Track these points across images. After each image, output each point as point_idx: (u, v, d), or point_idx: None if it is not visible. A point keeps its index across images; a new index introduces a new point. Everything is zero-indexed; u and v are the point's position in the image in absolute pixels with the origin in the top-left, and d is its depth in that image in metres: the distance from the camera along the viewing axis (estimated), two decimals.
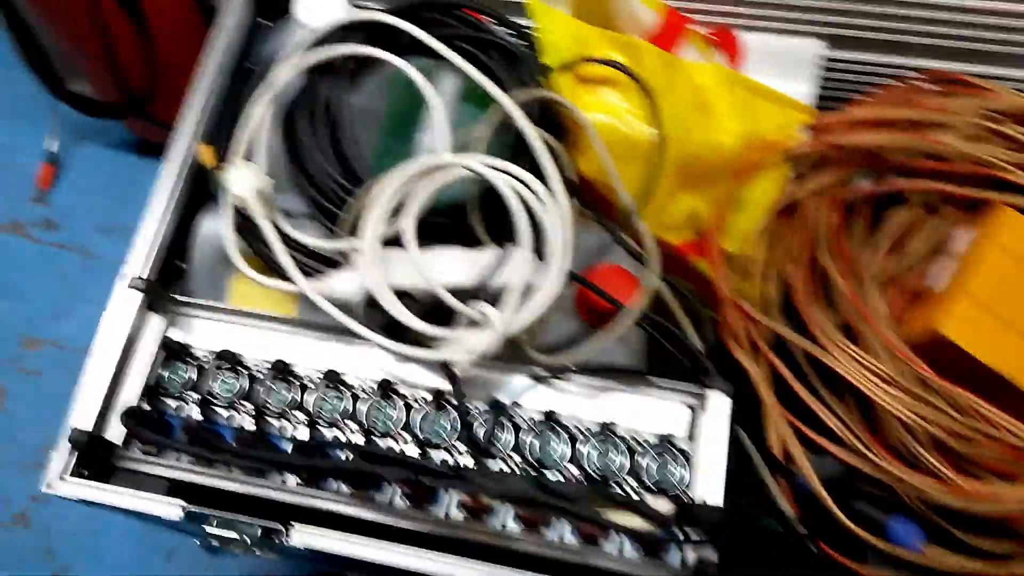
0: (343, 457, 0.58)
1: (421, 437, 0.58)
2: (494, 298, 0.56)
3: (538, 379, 0.59)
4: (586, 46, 0.65)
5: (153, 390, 0.61)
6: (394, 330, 0.58)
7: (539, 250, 0.58)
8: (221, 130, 0.69)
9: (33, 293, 1.09)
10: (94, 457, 0.59)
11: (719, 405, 0.57)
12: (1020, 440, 0.57)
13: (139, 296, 0.62)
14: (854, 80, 0.76)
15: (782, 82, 0.71)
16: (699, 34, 0.70)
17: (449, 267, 0.57)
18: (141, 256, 0.65)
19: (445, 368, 0.57)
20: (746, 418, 0.63)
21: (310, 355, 0.61)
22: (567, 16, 0.66)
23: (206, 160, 0.65)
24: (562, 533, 0.56)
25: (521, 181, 0.58)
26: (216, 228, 0.66)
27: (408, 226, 0.56)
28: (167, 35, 0.95)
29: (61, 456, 0.58)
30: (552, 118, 0.65)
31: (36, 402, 1.03)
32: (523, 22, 0.67)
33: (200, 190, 0.68)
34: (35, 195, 1.14)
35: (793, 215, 0.69)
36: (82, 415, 0.58)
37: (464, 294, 0.56)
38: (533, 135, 0.59)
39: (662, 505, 0.51)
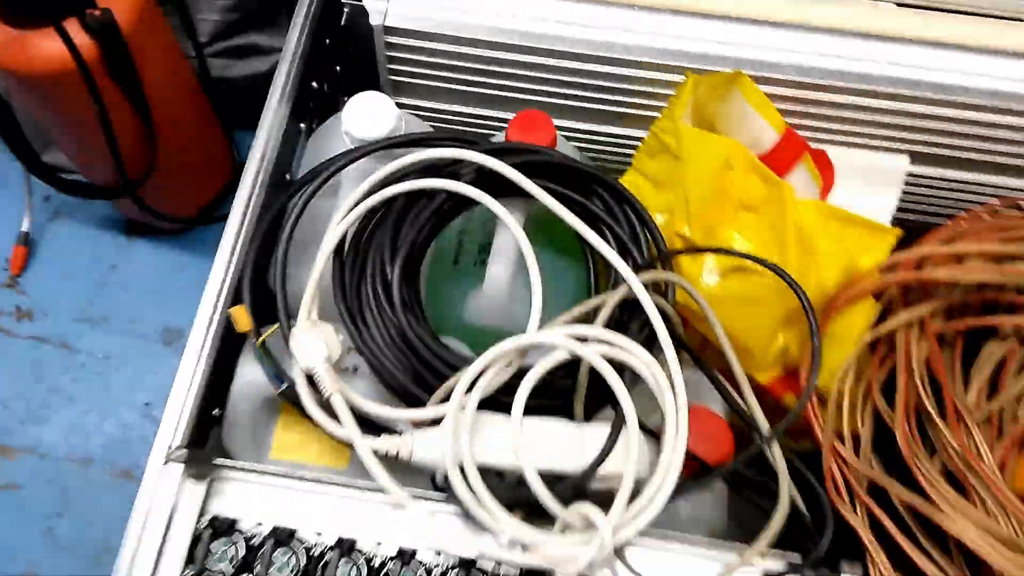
0: None
1: None
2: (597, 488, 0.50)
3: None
4: (731, 171, 0.60)
5: (197, 574, 0.53)
6: None
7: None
8: (263, 257, 0.62)
9: (8, 393, 0.98)
10: None
11: None
12: None
13: (178, 468, 0.54)
14: (936, 196, 0.74)
15: (869, 195, 0.69)
16: (810, 155, 0.66)
17: (553, 447, 0.51)
18: (175, 416, 0.57)
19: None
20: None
21: (373, 526, 0.54)
22: (715, 137, 0.61)
23: (241, 325, 0.57)
24: None
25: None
26: (259, 376, 0.59)
27: (518, 404, 0.50)
28: (167, 119, 0.87)
29: None
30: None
31: (15, 520, 0.93)
32: None
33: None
34: (7, 281, 1.03)
35: (882, 348, 0.65)
36: None
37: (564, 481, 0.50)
38: (659, 322, 0.54)
39: None
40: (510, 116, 0.69)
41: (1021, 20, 0.65)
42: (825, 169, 0.68)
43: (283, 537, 0.54)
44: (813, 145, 0.70)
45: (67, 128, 0.85)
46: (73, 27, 0.74)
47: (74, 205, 1.06)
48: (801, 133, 0.69)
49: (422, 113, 0.77)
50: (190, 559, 0.53)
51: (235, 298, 0.61)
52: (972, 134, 0.69)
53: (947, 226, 0.68)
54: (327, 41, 0.74)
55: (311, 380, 0.55)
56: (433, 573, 0.53)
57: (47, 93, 0.77)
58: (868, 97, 0.67)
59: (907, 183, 0.72)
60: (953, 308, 0.66)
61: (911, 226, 0.73)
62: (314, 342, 0.55)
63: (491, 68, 0.70)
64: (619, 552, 0.52)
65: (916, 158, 0.71)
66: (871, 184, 0.70)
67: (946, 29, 0.66)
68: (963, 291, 0.66)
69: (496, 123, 0.74)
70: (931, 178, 0.73)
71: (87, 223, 1.07)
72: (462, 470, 0.52)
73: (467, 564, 0.53)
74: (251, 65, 1.00)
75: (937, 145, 0.71)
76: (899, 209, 0.71)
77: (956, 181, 0.73)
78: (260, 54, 1.00)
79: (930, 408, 0.61)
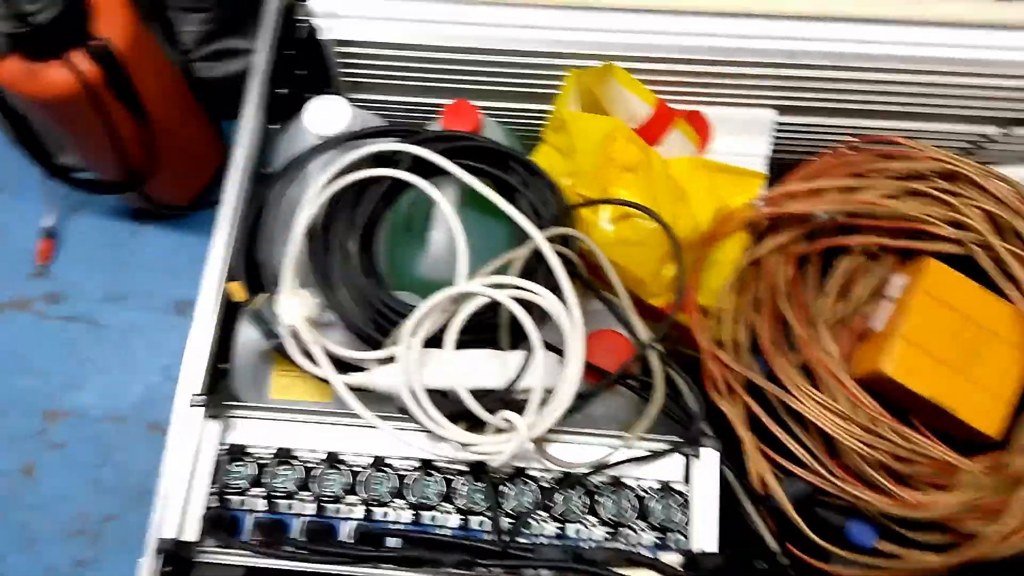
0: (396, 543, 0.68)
1: (462, 506, 0.68)
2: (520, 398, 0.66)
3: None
4: (614, 142, 0.75)
5: (220, 490, 0.69)
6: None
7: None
8: (250, 239, 0.77)
9: (48, 367, 1.15)
10: (177, 558, 0.67)
11: (710, 460, 0.68)
12: (946, 457, 0.70)
13: (199, 411, 0.70)
14: (802, 139, 0.91)
15: (744, 145, 0.84)
16: (683, 120, 0.81)
17: (480, 370, 0.67)
18: (192, 372, 0.73)
19: (478, 466, 0.67)
20: (730, 454, 0.75)
21: (353, 442, 0.70)
22: (598, 117, 0.75)
23: (237, 297, 0.72)
24: None
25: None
26: (255, 335, 0.74)
27: (449, 340, 0.66)
28: (163, 122, 1.01)
29: (148, 563, 0.66)
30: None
31: (65, 473, 1.10)
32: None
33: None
34: (36, 271, 1.19)
35: (755, 269, 0.80)
36: (165, 524, 0.67)
37: (493, 395, 0.66)
38: (558, 267, 0.69)
39: (672, 558, 0.62)
40: (445, 102, 0.83)
41: None
42: (701, 127, 0.83)
43: (284, 456, 0.70)
44: (695, 107, 0.84)
45: (79, 139, 1.00)
46: (78, 56, 0.88)
47: (88, 200, 1.22)
48: (684, 98, 0.83)
49: (373, 105, 0.91)
50: (214, 480, 0.69)
51: (231, 275, 0.76)
52: (820, 88, 0.84)
53: (807, 165, 0.83)
54: (289, 52, 0.88)
55: (295, 335, 0.71)
56: (401, 472, 0.69)
57: (60, 113, 0.92)
58: (736, 66, 0.81)
59: (777, 131, 0.87)
60: (814, 232, 0.81)
61: (786, 164, 0.88)
62: (294, 305, 0.71)
63: (424, 66, 0.84)
64: (538, 444, 0.69)
65: (782, 110, 0.87)
66: (747, 135, 0.85)
67: (793, 4, 0.80)
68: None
69: (434, 109, 0.88)
70: (796, 125, 0.89)
71: (101, 215, 1.22)
72: (414, 394, 0.68)
73: (426, 464, 0.69)
74: (229, 66, 1.14)
75: (795, 99, 0.86)
76: (774, 152, 0.86)
77: (816, 126, 0.89)
78: (236, 55, 1.14)
79: (787, 314, 0.77)
